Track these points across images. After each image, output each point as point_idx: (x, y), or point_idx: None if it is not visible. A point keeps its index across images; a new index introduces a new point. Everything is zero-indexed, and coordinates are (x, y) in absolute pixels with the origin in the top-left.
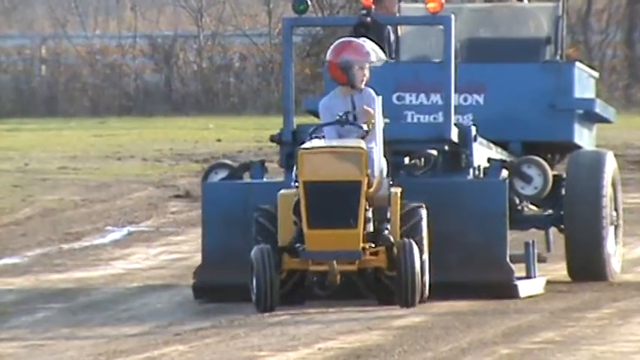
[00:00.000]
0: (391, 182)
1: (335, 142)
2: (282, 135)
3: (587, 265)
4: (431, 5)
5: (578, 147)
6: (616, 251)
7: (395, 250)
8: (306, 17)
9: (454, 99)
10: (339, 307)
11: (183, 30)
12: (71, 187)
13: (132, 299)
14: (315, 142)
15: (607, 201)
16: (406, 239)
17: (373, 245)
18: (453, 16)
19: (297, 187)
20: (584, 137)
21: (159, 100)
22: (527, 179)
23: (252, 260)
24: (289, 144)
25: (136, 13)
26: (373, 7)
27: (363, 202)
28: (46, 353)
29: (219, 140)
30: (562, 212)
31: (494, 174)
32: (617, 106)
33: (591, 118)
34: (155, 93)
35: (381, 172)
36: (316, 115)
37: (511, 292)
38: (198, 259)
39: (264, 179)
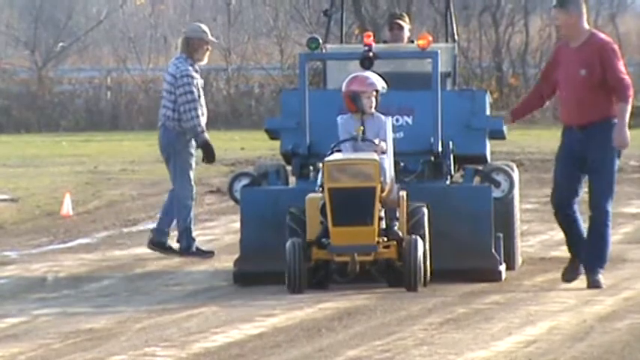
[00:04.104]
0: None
1: (353, 155)
2: (297, 148)
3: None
4: (421, 42)
5: (485, 159)
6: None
7: (404, 244)
8: (317, 53)
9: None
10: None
11: (215, 64)
12: (130, 184)
13: (177, 270)
14: (337, 156)
15: (517, 202)
16: (412, 235)
17: (386, 239)
18: (439, 52)
19: (321, 191)
20: (488, 151)
21: None
22: (497, 184)
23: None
24: (304, 156)
25: None
26: (374, 44)
27: (377, 204)
28: (111, 312)
29: (242, 149)
30: None
31: (469, 180)
32: (548, 124)
33: (493, 134)
34: None
35: (392, 179)
36: (272, 134)
37: (496, 277)
38: (227, 240)
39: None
